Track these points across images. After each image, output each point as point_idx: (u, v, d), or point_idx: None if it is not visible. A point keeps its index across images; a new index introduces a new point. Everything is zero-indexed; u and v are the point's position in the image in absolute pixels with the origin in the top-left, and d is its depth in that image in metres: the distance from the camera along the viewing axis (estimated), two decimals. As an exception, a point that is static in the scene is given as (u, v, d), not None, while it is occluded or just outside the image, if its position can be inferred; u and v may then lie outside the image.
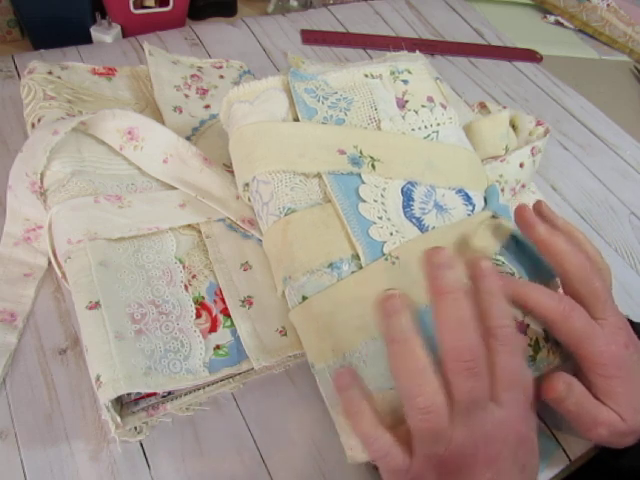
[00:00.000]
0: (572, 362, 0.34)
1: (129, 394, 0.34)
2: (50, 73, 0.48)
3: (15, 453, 0.33)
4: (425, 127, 0.40)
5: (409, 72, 0.41)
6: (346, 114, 0.39)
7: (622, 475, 0.34)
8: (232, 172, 0.41)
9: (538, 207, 0.36)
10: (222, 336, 0.37)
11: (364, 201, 0.35)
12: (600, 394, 0.32)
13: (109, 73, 0.52)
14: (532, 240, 0.34)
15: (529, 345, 0.35)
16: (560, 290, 0.38)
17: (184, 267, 0.39)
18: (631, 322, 0.37)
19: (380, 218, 0.35)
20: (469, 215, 0.37)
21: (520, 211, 0.34)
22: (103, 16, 0.60)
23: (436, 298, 0.28)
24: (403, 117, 0.39)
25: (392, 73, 0.41)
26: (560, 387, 0.32)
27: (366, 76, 0.40)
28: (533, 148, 0.47)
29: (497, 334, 0.28)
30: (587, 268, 0.32)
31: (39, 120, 0.44)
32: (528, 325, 0.35)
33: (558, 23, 0.81)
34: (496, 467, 0.27)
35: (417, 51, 0.59)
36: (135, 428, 0.34)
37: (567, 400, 0.32)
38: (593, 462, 0.38)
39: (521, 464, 0.28)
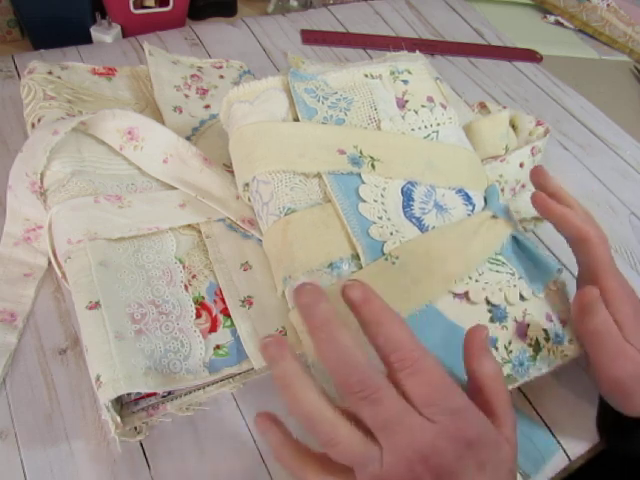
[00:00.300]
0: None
1: (129, 394, 0.33)
2: (50, 73, 0.48)
3: (15, 453, 0.33)
4: (425, 127, 0.40)
5: (409, 72, 0.41)
6: (346, 114, 0.39)
7: (627, 469, 0.34)
8: (232, 172, 0.41)
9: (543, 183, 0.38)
10: (222, 336, 0.37)
11: (364, 201, 0.35)
12: (627, 333, 0.33)
13: (109, 73, 0.52)
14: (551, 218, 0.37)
15: (529, 345, 0.35)
16: (559, 289, 0.39)
17: (184, 267, 0.39)
18: None
19: (380, 218, 0.35)
20: (469, 215, 0.38)
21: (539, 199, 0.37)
22: (103, 16, 0.60)
23: (311, 337, 0.27)
24: (403, 117, 0.39)
25: (392, 73, 0.41)
26: (594, 292, 0.33)
27: (366, 76, 0.40)
28: (533, 148, 0.47)
29: (390, 362, 0.27)
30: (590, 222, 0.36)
31: (39, 120, 0.44)
32: (528, 325, 0.35)
33: (558, 23, 0.81)
34: (443, 476, 0.26)
35: (417, 51, 0.59)
36: (135, 428, 0.34)
37: (596, 315, 0.33)
38: (593, 462, 0.38)
39: (477, 464, 0.26)
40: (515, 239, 0.37)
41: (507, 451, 0.28)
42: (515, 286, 0.36)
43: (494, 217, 0.37)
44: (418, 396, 0.26)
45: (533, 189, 0.50)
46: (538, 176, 0.39)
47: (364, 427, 0.26)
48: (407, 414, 0.26)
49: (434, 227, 0.36)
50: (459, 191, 0.38)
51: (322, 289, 0.27)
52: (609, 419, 0.37)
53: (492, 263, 0.36)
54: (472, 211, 0.38)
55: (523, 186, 0.48)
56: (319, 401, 0.26)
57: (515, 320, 0.35)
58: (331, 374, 0.26)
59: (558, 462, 0.37)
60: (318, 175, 0.36)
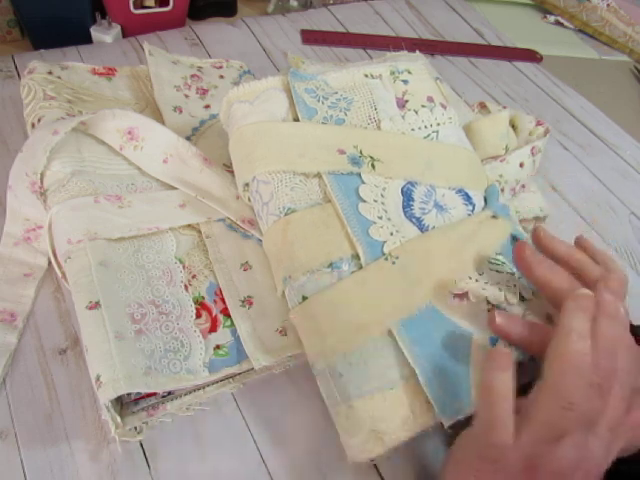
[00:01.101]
0: None
1: (129, 394, 0.33)
2: (50, 73, 0.48)
3: (15, 453, 0.33)
4: (425, 127, 0.40)
5: (409, 72, 0.41)
6: (346, 114, 0.39)
7: (626, 468, 0.34)
8: (232, 172, 0.41)
9: (535, 233, 0.35)
10: (222, 336, 0.37)
11: (364, 201, 0.35)
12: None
13: (109, 73, 0.52)
14: (531, 281, 0.34)
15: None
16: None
17: (184, 267, 0.39)
18: (632, 326, 0.37)
19: (380, 218, 0.35)
20: (469, 215, 0.38)
21: (519, 250, 0.33)
22: (103, 16, 0.60)
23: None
24: (403, 117, 0.39)
25: (392, 73, 0.41)
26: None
27: (366, 76, 0.40)
28: (533, 148, 0.47)
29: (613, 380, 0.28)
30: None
31: (39, 120, 0.44)
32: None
33: (558, 23, 0.81)
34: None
35: (417, 51, 0.59)
36: (135, 428, 0.34)
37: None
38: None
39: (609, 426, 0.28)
40: (515, 239, 0.37)
41: None
42: (515, 286, 0.36)
43: (494, 217, 0.37)
44: (609, 417, 0.28)
45: (533, 189, 0.50)
46: (541, 240, 0.35)
47: None
48: (595, 425, 0.28)
49: (434, 227, 0.36)
50: (459, 191, 0.38)
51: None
52: None
53: (492, 263, 0.36)
54: (472, 211, 0.38)
55: (523, 186, 0.48)
56: None
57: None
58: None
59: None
60: (318, 175, 0.36)
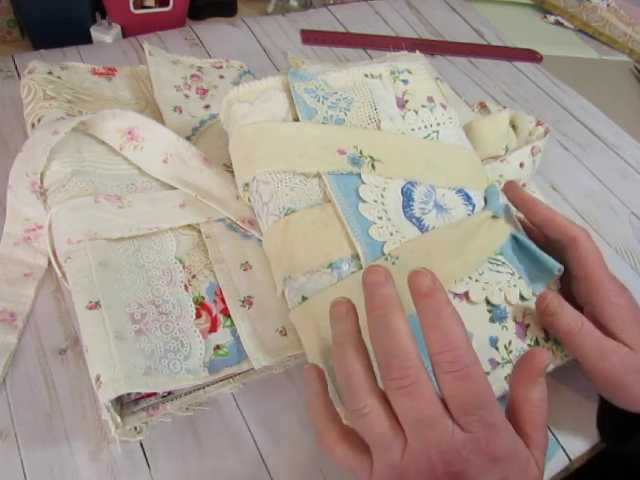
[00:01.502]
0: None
1: (129, 394, 0.33)
2: (50, 73, 0.48)
3: (15, 453, 0.33)
4: (425, 127, 0.40)
5: (409, 72, 0.41)
6: (346, 114, 0.39)
7: (627, 468, 0.34)
8: (232, 172, 0.41)
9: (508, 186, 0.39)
10: (222, 336, 0.37)
11: (364, 201, 0.35)
12: (610, 324, 0.33)
13: (109, 73, 0.52)
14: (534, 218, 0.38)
15: (529, 345, 0.35)
16: (557, 289, 0.38)
17: (184, 267, 0.39)
18: None
19: (380, 218, 0.35)
20: (469, 215, 0.38)
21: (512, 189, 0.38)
22: (103, 16, 0.60)
23: (367, 316, 0.27)
24: (403, 117, 0.39)
25: (392, 73, 0.41)
26: (548, 295, 0.34)
27: (366, 76, 0.40)
28: (533, 148, 0.47)
29: (440, 360, 0.26)
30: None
31: (39, 120, 0.44)
32: (528, 325, 0.35)
33: (558, 23, 0.81)
34: None
35: (417, 51, 0.59)
36: (135, 428, 0.34)
37: (560, 316, 0.33)
38: (593, 462, 0.38)
39: (500, 477, 0.26)
40: (515, 239, 0.37)
41: (535, 474, 0.27)
42: (515, 286, 0.36)
43: (494, 217, 0.37)
44: (458, 402, 0.26)
45: (533, 189, 0.50)
46: (512, 191, 0.39)
47: (395, 414, 0.26)
48: (440, 419, 0.26)
49: (434, 227, 0.36)
50: (459, 191, 0.38)
51: (390, 273, 0.27)
52: (609, 419, 0.37)
53: (492, 263, 0.36)
54: (472, 211, 0.38)
55: (523, 186, 0.48)
56: (363, 368, 0.27)
57: (515, 320, 0.35)
58: (376, 355, 0.27)
59: (558, 462, 0.37)
60: (318, 175, 0.36)
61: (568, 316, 0.33)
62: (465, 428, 0.26)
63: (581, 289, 0.36)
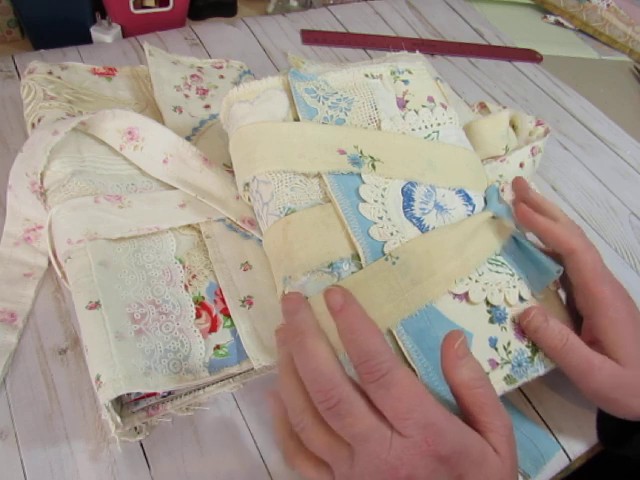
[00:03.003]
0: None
1: (129, 394, 0.34)
2: (50, 73, 0.48)
3: (15, 453, 0.33)
4: (425, 127, 0.40)
5: (409, 72, 0.41)
6: (346, 114, 0.39)
7: (625, 468, 0.34)
8: (232, 172, 0.41)
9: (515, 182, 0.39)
10: (222, 336, 0.37)
11: (364, 201, 0.35)
12: (604, 337, 0.33)
13: (109, 73, 0.52)
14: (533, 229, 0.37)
15: (527, 346, 0.35)
16: (559, 290, 0.38)
17: (184, 267, 0.39)
18: None
19: (380, 218, 0.35)
20: (469, 215, 0.38)
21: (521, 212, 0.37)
22: (103, 16, 0.60)
23: (288, 344, 0.28)
24: (403, 117, 0.39)
25: (392, 73, 0.41)
26: (532, 311, 0.34)
27: (366, 76, 0.40)
28: (533, 148, 0.47)
29: (360, 372, 0.26)
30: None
31: (39, 120, 0.44)
32: (528, 325, 0.35)
33: (558, 23, 0.81)
34: None
35: (417, 51, 0.59)
36: (135, 428, 0.34)
37: (544, 331, 0.33)
38: (593, 462, 0.38)
39: (455, 475, 0.26)
40: (515, 240, 0.37)
41: (494, 462, 0.27)
42: (515, 287, 0.36)
43: (494, 217, 0.37)
44: (388, 409, 0.26)
45: (533, 189, 0.50)
46: (520, 188, 0.39)
47: None
48: (376, 429, 0.26)
49: (434, 227, 0.36)
50: (459, 191, 0.38)
51: (304, 299, 0.28)
52: (606, 424, 0.37)
53: (492, 264, 0.36)
54: (472, 211, 0.38)
55: (523, 186, 0.48)
56: (301, 387, 0.27)
57: (514, 321, 0.35)
58: (303, 380, 0.27)
59: (558, 462, 0.37)
60: (318, 175, 0.36)
61: (552, 332, 0.33)
62: (403, 433, 0.25)
63: (580, 300, 0.36)
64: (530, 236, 0.38)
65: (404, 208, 0.36)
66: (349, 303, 0.27)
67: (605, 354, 0.33)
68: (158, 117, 0.49)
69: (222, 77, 0.55)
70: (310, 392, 0.27)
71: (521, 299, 0.36)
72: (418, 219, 0.36)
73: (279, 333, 0.30)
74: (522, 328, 0.35)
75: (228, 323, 0.37)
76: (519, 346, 0.35)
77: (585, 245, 0.35)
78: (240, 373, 0.36)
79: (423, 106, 0.40)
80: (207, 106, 0.51)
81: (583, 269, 0.35)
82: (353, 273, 0.34)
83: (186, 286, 0.38)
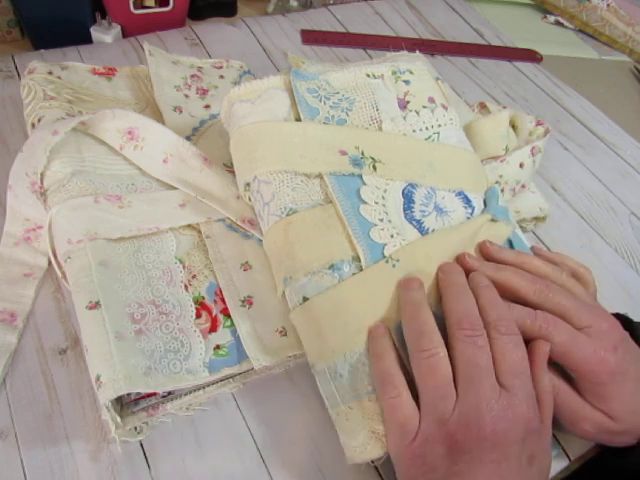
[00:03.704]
0: None
1: (129, 394, 0.34)
2: (50, 73, 0.48)
3: (15, 453, 0.33)
4: (426, 128, 0.40)
5: (411, 72, 0.41)
6: (348, 114, 0.39)
7: (625, 475, 0.34)
8: (232, 172, 0.41)
9: (482, 247, 0.36)
10: (222, 336, 0.37)
11: (365, 202, 0.35)
12: (591, 398, 0.32)
13: (109, 73, 0.52)
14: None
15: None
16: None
17: (184, 267, 0.39)
18: (630, 321, 0.37)
19: (381, 220, 0.35)
20: (468, 218, 0.37)
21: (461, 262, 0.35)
22: (103, 16, 0.60)
23: (445, 288, 0.32)
24: (404, 118, 0.39)
25: (394, 73, 0.41)
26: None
27: (368, 76, 0.40)
28: (533, 148, 0.47)
29: (498, 326, 0.30)
30: (541, 290, 0.32)
31: (39, 120, 0.44)
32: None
33: (558, 23, 0.81)
34: (502, 449, 0.27)
35: (417, 51, 0.59)
36: (135, 428, 0.34)
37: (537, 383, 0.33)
38: (593, 462, 0.38)
39: (529, 454, 0.28)
40: (513, 242, 0.37)
41: (549, 442, 0.30)
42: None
43: (493, 220, 0.37)
44: (508, 363, 0.29)
45: (533, 189, 0.50)
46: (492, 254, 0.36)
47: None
48: (490, 375, 0.29)
49: (434, 230, 0.36)
50: (459, 194, 0.38)
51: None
52: None
53: (492, 263, 0.36)
54: (471, 214, 0.38)
55: (523, 186, 0.48)
56: (434, 325, 0.31)
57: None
58: (448, 312, 0.31)
59: (558, 462, 0.37)
60: (319, 176, 0.36)
61: (543, 384, 0.32)
62: (509, 389, 0.28)
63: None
64: (529, 236, 0.38)
65: (404, 210, 0.36)
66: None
67: (595, 402, 0.32)
68: (158, 117, 0.49)
69: (222, 77, 0.55)
70: (459, 321, 0.30)
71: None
72: (418, 221, 0.36)
73: (410, 282, 0.33)
74: None
75: (228, 323, 0.37)
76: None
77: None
78: (240, 373, 0.36)
79: (424, 107, 0.40)
80: (207, 106, 0.51)
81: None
82: (354, 275, 0.33)
83: (186, 286, 0.38)
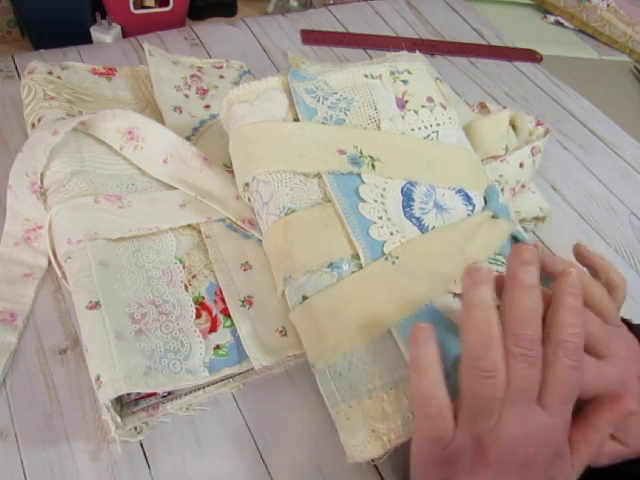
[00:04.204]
0: None
1: (129, 394, 0.34)
2: (50, 73, 0.48)
3: (15, 453, 0.33)
4: (425, 127, 0.40)
5: (409, 72, 0.41)
6: (346, 114, 0.39)
7: (626, 469, 0.34)
8: (232, 172, 0.41)
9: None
10: (222, 336, 0.37)
11: (364, 201, 0.35)
12: (615, 430, 0.31)
13: (109, 73, 0.52)
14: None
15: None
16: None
17: (184, 267, 0.39)
18: (631, 324, 0.37)
19: (380, 218, 0.35)
20: (469, 215, 0.38)
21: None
22: (103, 16, 0.60)
23: (514, 288, 0.28)
24: (403, 117, 0.39)
25: (392, 73, 0.41)
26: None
27: (366, 76, 0.40)
28: (533, 148, 0.47)
29: (565, 346, 0.27)
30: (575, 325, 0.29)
31: (39, 120, 0.44)
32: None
33: (558, 23, 0.81)
34: (527, 470, 0.27)
35: (417, 51, 0.59)
36: (135, 428, 0.34)
37: None
38: (596, 468, 0.38)
39: (551, 476, 0.27)
40: (515, 239, 0.37)
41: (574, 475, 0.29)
42: (515, 286, 0.36)
43: (494, 217, 0.37)
44: (562, 389, 0.27)
45: (533, 189, 0.50)
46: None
47: None
48: (535, 395, 0.27)
49: (434, 227, 0.36)
50: (459, 191, 0.38)
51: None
52: None
53: (492, 263, 0.36)
54: (472, 211, 0.38)
55: (523, 186, 0.48)
56: (500, 336, 0.28)
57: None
58: (512, 319, 0.28)
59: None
60: (318, 175, 0.36)
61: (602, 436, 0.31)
62: (551, 412, 0.27)
63: None
64: (529, 236, 0.38)
65: (404, 208, 0.36)
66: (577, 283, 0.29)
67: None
68: (158, 117, 0.49)
69: (222, 77, 0.55)
70: (519, 335, 0.27)
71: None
72: (418, 219, 0.36)
73: (477, 272, 0.28)
74: None
75: (228, 323, 0.37)
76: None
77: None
78: (240, 373, 0.36)
79: (422, 106, 0.40)
80: (207, 106, 0.51)
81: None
82: (353, 273, 0.34)
83: (186, 286, 0.38)
